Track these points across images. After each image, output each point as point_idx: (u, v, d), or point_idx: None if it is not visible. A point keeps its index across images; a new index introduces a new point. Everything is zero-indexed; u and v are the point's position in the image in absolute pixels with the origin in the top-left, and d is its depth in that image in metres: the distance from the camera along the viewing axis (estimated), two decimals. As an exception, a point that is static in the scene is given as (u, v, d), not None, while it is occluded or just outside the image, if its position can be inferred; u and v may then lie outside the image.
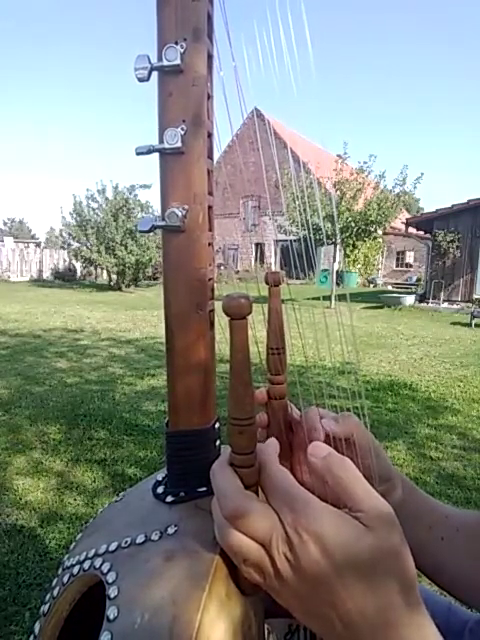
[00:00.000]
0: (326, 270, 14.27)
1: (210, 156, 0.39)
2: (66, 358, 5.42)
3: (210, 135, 0.39)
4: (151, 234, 0.41)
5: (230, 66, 0.36)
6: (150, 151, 0.37)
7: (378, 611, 0.30)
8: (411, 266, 26.81)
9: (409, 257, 26.98)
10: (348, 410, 0.47)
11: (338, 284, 11.36)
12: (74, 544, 0.46)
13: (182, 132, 0.36)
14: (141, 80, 0.35)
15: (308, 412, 0.45)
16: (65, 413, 3.58)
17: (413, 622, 0.30)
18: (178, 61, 0.35)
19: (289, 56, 0.34)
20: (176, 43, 0.35)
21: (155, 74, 0.36)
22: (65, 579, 0.41)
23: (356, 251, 13.81)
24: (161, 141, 0.36)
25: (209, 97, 0.38)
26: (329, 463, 0.34)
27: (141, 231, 0.39)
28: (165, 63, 0.35)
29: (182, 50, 0.35)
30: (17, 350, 5.72)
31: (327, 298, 10.22)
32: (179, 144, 0.36)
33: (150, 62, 0.35)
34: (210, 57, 0.38)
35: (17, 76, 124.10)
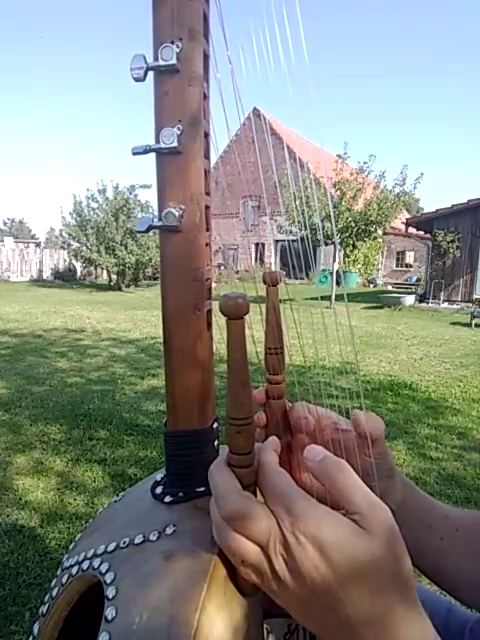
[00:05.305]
0: (326, 270, 14.26)
1: (207, 156, 0.39)
2: (67, 358, 5.42)
3: (207, 135, 0.39)
4: (151, 234, 0.41)
5: (227, 66, 0.36)
6: (146, 151, 0.37)
7: (376, 613, 0.29)
8: (411, 266, 26.77)
9: (409, 257, 26.94)
10: (348, 410, 0.47)
11: (338, 284, 11.34)
12: (73, 544, 0.46)
13: (178, 132, 0.36)
14: (137, 80, 0.35)
15: (294, 405, 0.45)
16: (66, 413, 3.58)
17: (411, 623, 0.30)
18: (174, 61, 0.35)
19: (285, 56, 0.34)
20: (172, 43, 0.35)
21: (151, 74, 0.36)
22: (64, 580, 0.41)
23: (356, 251, 13.78)
24: (157, 141, 0.36)
25: (205, 97, 0.38)
26: (325, 466, 0.33)
27: (138, 231, 0.39)
28: (161, 63, 0.35)
29: (178, 50, 0.35)
30: (18, 350, 5.72)
31: (326, 298, 10.21)
32: (175, 144, 0.36)
33: (146, 62, 0.35)
34: (206, 57, 0.38)
35: (17, 76, 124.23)
